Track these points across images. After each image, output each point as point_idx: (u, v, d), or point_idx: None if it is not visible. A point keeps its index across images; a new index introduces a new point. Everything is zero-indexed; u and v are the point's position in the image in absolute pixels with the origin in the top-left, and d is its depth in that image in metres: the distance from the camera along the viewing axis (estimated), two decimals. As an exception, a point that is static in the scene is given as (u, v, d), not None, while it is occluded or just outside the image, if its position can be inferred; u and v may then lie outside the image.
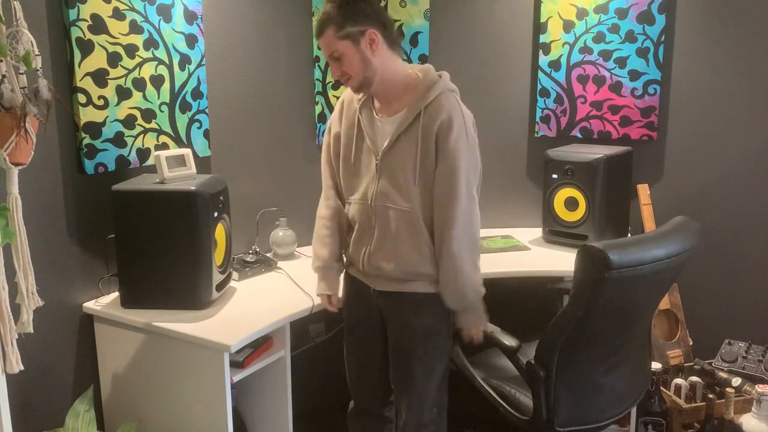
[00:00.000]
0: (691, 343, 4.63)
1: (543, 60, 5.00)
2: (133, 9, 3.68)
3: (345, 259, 3.56)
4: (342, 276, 3.60)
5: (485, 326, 3.38)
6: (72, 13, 3.43)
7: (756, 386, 4.03)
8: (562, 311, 3.19)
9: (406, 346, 3.37)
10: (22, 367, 2.55)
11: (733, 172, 4.58)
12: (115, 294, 3.75)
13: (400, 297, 3.33)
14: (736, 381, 4.21)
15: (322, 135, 4.59)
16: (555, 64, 4.97)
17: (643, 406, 4.26)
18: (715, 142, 4.61)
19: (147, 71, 3.80)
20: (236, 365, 3.47)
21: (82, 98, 3.52)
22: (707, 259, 4.71)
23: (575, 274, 3.09)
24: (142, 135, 3.83)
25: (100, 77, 3.58)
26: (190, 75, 4.03)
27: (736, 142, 4.55)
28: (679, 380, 4.41)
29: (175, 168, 3.60)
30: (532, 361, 3.33)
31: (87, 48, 3.51)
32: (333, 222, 3.48)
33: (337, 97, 4.69)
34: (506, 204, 5.10)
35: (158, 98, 3.88)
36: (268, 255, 4.47)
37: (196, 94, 4.08)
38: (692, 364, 4.51)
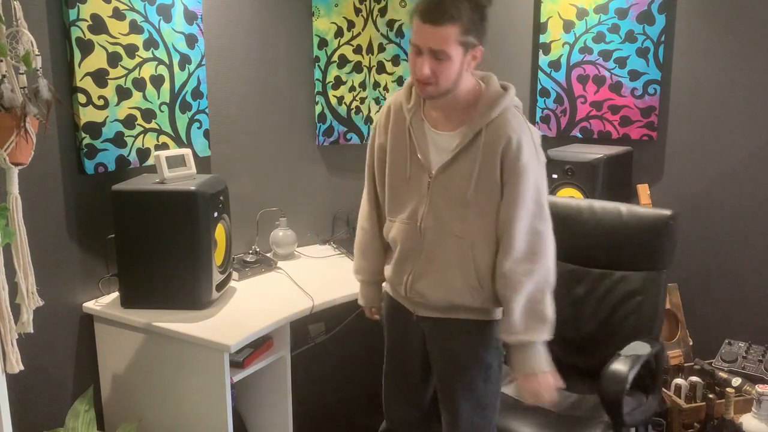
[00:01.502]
0: (691, 343, 4.62)
1: (543, 60, 5.00)
2: (133, 9, 3.68)
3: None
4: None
5: (557, 381, 2.93)
6: (72, 13, 3.43)
7: (756, 386, 4.02)
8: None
9: (451, 376, 3.09)
10: (22, 367, 2.55)
11: (733, 172, 4.58)
12: (115, 294, 3.76)
13: (445, 323, 3.04)
14: (736, 381, 4.20)
15: (322, 135, 4.62)
16: (555, 64, 4.97)
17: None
18: (715, 142, 4.61)
19: (147, 71, 3.81)
20: (236, 365, 3.48)
21: (82, 98, 3.52)
22: (707, 259, 4.70)
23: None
24: (142, 135, 3.83)
25: (100, 77, 3.59)
26: (190, 75, 4.03)
27: (736, 141, 4.54)
28: (679, 380, 4.39)
29: (175, 168, 3.61)
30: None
31: (87, 48, 3.52)
32: (375, 236, 3.25)
33: (337, 97, 4.71)
34: None
35: (158, 98, 3.89)
36: (268, 255, 4.48)
37: (196, 94, 4.08)
38: (692, 364, 4.49)
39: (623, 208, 3.67)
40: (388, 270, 3.18)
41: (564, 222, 3.59)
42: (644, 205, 4.45)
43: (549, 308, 2.87)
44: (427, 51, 2.71)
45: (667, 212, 3.54)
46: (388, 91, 4.91)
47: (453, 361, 3.07)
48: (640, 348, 3.28)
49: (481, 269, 2.91)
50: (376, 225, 3.25)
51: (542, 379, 2.89)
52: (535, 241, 2.85)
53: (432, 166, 2.92)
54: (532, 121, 5.06)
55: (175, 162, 3.63)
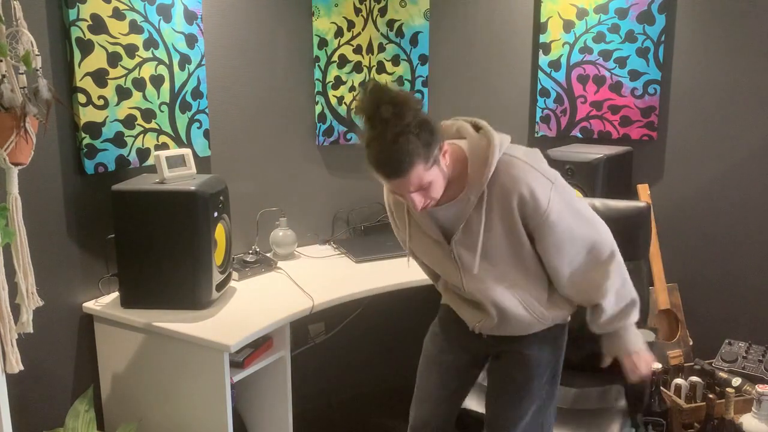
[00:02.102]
0: (691, 343, 4.62)
1: (543, 60, 5.00)
2: (133, 9, 3.68)
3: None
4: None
5: (652, 355, 3.00)
6: (72, 13, 3.43)
7: (756, 386, 4.02)
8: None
9: (520, 378, 3.05)
10: (22, 367, 2.55)
11: (734, 172, 4.58)
12: (115, 294, 3.76)
13: (516, 338, 3.05)
14: (737, 381, 4.20)
15: (322, 135, 4.62)
16: (555, 64, 4.97)
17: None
18: (715, 142, 4.60)
19: (147, 71, 3.81)
20: (236, 365, 3.48)
21: (82, 98, 3.52)
22: (707, 259, 4.70)
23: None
24: (142, 135, 3.83)
25: (100, 77, 3.59)
26: (190, 75, 4.03)
27: (737, 141, 4.54)
28: (679, 380, 4.39)
29: (175, 168, 3.61)
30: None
31: (87, 48, 3.52)
32: None
33: (338, 97, 4.71)
34: None
35: (158, 98, 3.88)
36: (268, 255, 4.48)
37: (196, 94, 4.08)
38: (692, 364, 4.49)
39: (597, 202, 3.65)
40: (452, 301, 3.19)
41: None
42: (644, 205, 4.47)
43: (632, 290, 2.90)
44: (415, 191, 2.62)
45: (642, 204, 3.59)
46: (388, 91, 4.87)
47: (522, 365, 3.05)
48: (646, 336, 3.28)
49: (543, 302, 2.95)
50: None
51: (643, 356, 2.95)
52: (596, 250, 2.82)
53: (447, 239, 2.88)
54: (533, 120, 5.08)
55: (175, 162, 3.62)
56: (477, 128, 2.84)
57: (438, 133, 2.58)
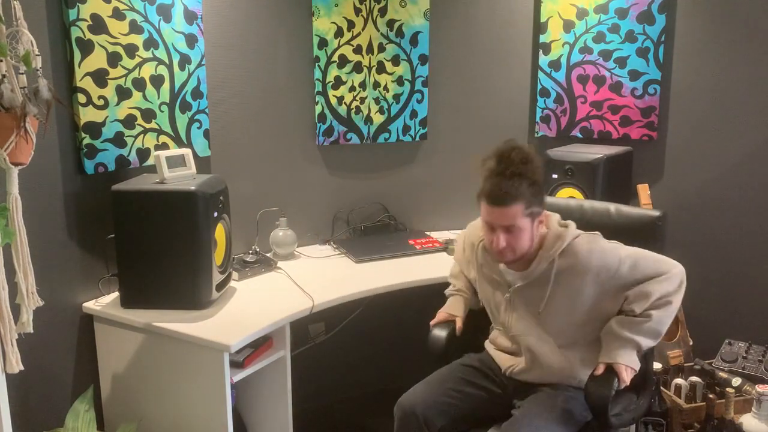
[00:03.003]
0: (691, 343, 4.62)
1: (543, 60, 5.00)
2: (133, 9, 3.68)
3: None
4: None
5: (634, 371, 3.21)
6: (72, 13, 3.43)
7: (756, 386, 4.02)
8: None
9: (548, 406, 3.25)
10: (22, 367, 2.55)
11: (734, 172, 4.58)
12: (115, 294, 3.76)
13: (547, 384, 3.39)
14: (737, 381, 4.20)
15: (322, 134, 4.62)
16: (555, 64, 4.97)
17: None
18: (715, 142, 4.61)
19: (147, 71, 3.81)
20: (236, 365, 3.48)
21: (82, 98, 3.52)
22: (707, 259, 4.71)
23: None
24: (142, 135, 3.83)
25: (100, 77, 3.59)
26: (190, 75, 4.03)
27: (737, 141, 4.54)
28: (679, 380, 4.40)
29: (175, 168, 3.61)
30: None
31: (87, 48, 3.52)
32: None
33: (338, 97, 4.70)
34: None
35: (158, 98, 3.88)
36: (268, 255, 4.47)
37: (196, 94, 4.09)
38: (692, 364, 4.49)
39: (612, 207, 3.67)
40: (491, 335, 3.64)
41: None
42: (644, 206, 4.46)
43: (666, 321, 3.21)
44: (500, 227, 3.14)
45: (656, 213, 3.53)
46: (388, 91, 4.90)
47: (550, 400, 3.28)
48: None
49: (574, 363, 3.32)
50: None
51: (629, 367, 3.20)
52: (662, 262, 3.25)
53: (509, 284, 3.39)
54: (533, 120, 5.10)
55: (175, 162, 3.63)
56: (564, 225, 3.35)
57: (543, 199, 3.19)
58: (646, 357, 3.39)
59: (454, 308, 3.66)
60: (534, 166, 3.11)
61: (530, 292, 3.30)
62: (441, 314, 3.65)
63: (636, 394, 3.47)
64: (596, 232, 3.30)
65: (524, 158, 3.10)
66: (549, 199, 3.78)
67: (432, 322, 3.62)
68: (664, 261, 3.21)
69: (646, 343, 3.16)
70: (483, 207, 3.17)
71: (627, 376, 3.11)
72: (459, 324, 3.58)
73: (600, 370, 3.17)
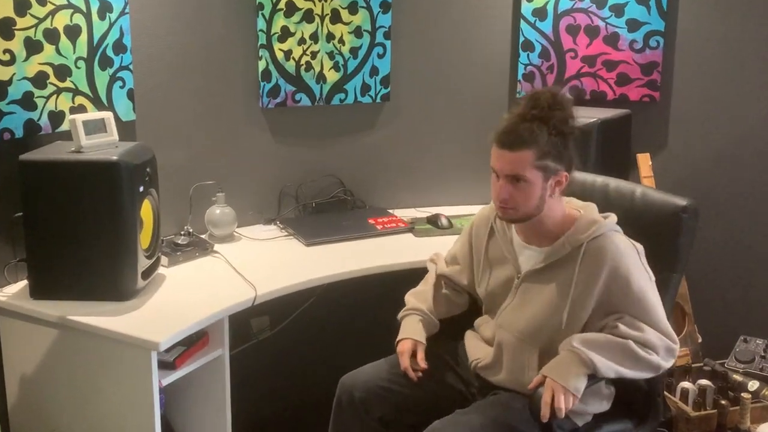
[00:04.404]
0: (699, 340, 4.66)
1: (526, 7, 5.04)
2: (43, -53, 3.68)
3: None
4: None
5: (575, 399, 3.09)
6: (-30, -47, 3.44)
7: (776, 391, 4.07)
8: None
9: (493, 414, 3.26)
10: None
11: (750, 138, 4.60)
12: (24, 283, 3.75)
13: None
14: (753, 385, 4.23)
15: (267, 95, 4.62)
16: (540, 13, 5.01)
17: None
18: (728, 104, 4.64)
19: (61, 21, 3.80)
20: (166, 366, 3.51)
21: (-17, 53, 3.55)
22: (719, 243, 4.74)
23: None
24: (54, 96, 3.84)
25: (5, 28, 3.58)
26: (111, 25, 4.03)
27: (753, 103, 4.57)
28: (686, 384, 4.43)
29: (93, 134, 3.61)
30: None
31: (-11, -7, 3.52)
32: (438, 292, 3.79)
33: (285, 51, 4.72)
34: (484, 176, 4.84)
35: (74, 52, 3.89)
36: (203, 237, 4.50)
37: (119, 47, 4.09)
38: (701, 364, 4.52)
39: (638, 190, 3.63)
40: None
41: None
42: (645, 179, 4.50)
43: (632, 370, 3.15)
44: (503, 175, 3.20)
45: (681, 202, 3.41)
46: (344, 44, 4.91)
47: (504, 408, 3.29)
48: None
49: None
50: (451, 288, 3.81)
51: (567, 396, 3.08)
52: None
53: (521, 268, 3.42)
54: (514, 79, 5.15)
55: (94, 127, 3.63)
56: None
57: (570, 159, 3.21)
58: (654, 379, 3.35)
59: (414, 332, 3.58)
60: (564, 115, 3.16)
61: (547, 276, 3.30)
62: (405, 347, 3.53)
63: (633, 424, 3.44)
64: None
65: (554, 103, 3.15)
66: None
67: (405, 365, 3.47)
68: (662, 329, 3.19)
69: (605, 368, 3.07)
70: (492, 151, 3.22)
71: (562, 401, 3.01)
72: (422, 354, 3.50)
73: (533, 383, 3.16)
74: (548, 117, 3.11)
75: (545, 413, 3.00)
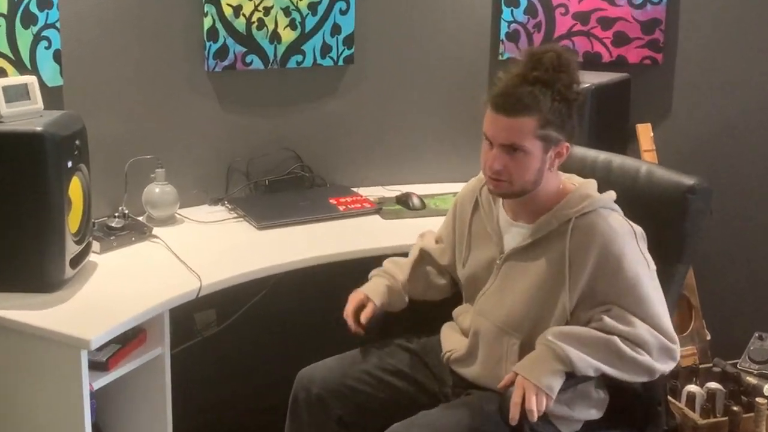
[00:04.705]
0: (708, 338, 4.69)
1: (511, -45, 5.07)
2: None
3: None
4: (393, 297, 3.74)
5: (549, 399, 3.06)
6: None
7: (796, 395, 4.10)
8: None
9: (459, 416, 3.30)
10: None
11: (765, 108, 4.64)
12: (-68, 272, 3.77)
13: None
14: (769, 388, 4.28)
15: (213, 57, 4.62)
16: (527, -38, 5.04)
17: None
18: (739, 65, 4.66)
19: (-25, -29, 3.80)
20: (98, 367, 3.49)
21: None
22: (730, 228, 4.77)
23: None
24: (-31, 58, 3.85)
25: None
26: (33, -24, 4.05)
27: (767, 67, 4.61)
28: (692, 387, 4.47)
29: (14, 102, 3.63)
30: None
31: None
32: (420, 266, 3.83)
33: (233, 6, 4.71)
34: (462, 150, 5.09)
35: (-9, 8, 3.90)
36: (140, 219, 4.50)
37: (44, 2, 4.07)
38: (710, 365, 4.55)
39: (643, 168, 3.62)
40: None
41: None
42: (645, 153, 4.53)
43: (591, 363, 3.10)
44: (498, 143, 3.19)
45: (688, 181, 3.39)
46: (301, -1, 4.95)
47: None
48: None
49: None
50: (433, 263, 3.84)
51: (538, 396, 3.06)
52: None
53: (504, 247, 3.44)
54: (496, 38, 5.17)
55: (16, 94, 3.64)
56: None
57: (572, 127, 3.22)
58: (653, 384, 3.31)
59: (373, 291, 3.69)
60: (569, 78, 3.16)
61: (532, 256, 3.31)
62: (355, 296, 3.69)
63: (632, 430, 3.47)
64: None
65: (559, 65, 3.14)
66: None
67: (347, 312, 3.64)
68: (658, 325, 3.17)
69: (583, 365, 3.05)
70: (486, 115, 3.22)
71: (533, 402, 2.98)
72: (369, 311, 3.60)
73: (504, 381, 3.17)
74: (552, 80, 3.11)
75: (514, 415, 2.98)
